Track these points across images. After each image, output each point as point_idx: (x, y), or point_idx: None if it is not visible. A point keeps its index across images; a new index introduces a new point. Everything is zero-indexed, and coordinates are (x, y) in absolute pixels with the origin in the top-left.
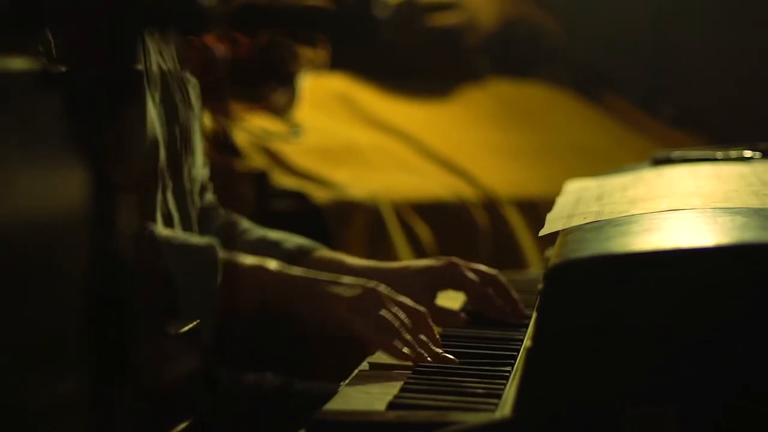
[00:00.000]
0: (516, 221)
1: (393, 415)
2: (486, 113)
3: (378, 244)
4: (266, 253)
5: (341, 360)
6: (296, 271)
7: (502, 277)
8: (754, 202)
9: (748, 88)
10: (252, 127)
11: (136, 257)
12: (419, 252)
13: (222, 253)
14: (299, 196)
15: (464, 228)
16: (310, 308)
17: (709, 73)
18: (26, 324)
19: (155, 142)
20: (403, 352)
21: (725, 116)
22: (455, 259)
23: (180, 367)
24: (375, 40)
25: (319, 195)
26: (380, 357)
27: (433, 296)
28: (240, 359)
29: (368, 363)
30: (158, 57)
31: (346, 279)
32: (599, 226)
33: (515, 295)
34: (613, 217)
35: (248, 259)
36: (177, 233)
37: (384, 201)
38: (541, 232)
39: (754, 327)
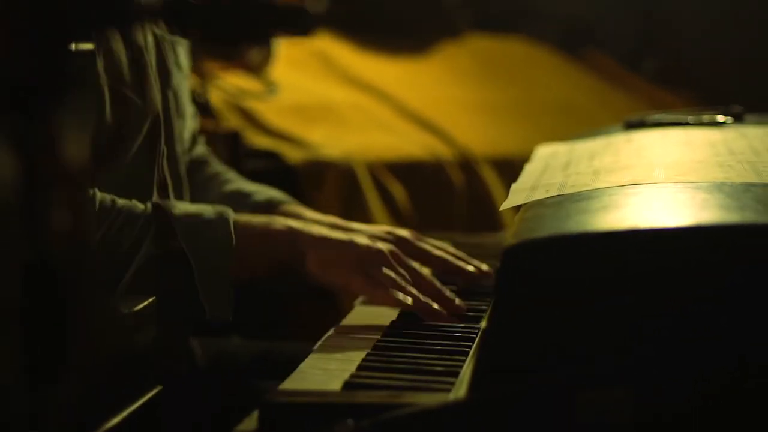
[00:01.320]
0: (492, 181)
1: (346, 396)
2: (465, 69)
3: (352, 205)
4: (237, 205)
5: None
6: (301, 224)
7: (453, 249)
8: (718, 175)
9: (733, 43)
10: (227, 85)
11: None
12: (394, 212)
13: (233, 220)
14: (272, 157)
15: (439, 188)
16: (315, 271)
17: (693, 29)
18: None
19: (156, 116)
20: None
21: (709, 72)
22: (406, 233)
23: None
24: (310, 32)
25: (293, 155)
26: (352, 319)
27: None
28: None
29: (334, 330)
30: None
31: (357, 235)
32: (559, 202)
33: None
34: (575, 191)
35: (256, 220)
36: (187, 206)
37: (358, 161)
38: (503, 206)
39: (709, 309)
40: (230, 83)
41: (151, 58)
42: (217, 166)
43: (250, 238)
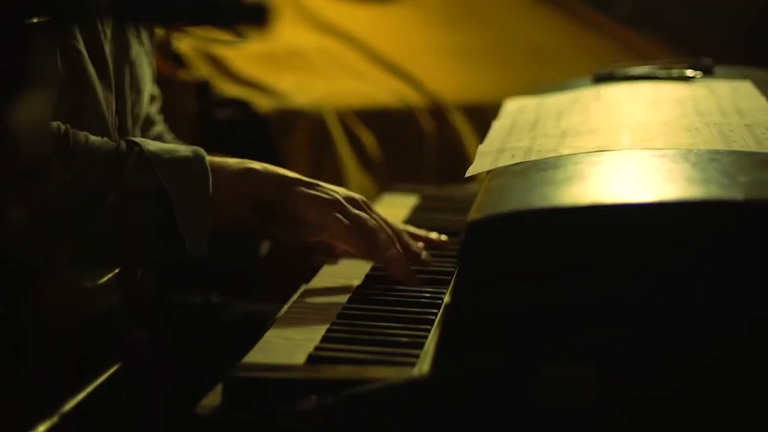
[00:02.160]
0: (463, 127)
1: (310, 371)
2: (435, 13)
3: (322, 153)
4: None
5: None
6: (282, 171)
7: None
8: (685, 140)
9: None
10: (196, 32)
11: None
12: (364, 160)
13: (208, 159)
14: (242, 105)
15: (410, 135)
16: (299, 207)
17: None
18: None
19: (108, 85)
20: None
21: (681, 14)
22: (359, 198)
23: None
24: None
25: (263, 103)
26: (319, 281)
27: None
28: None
29: (300, 294)
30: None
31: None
32: (524, 170)
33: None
34: (541, 157)
35: (232, 161)
36: (160, 144)
37: (328, 109)
38: (469, 172)
39: (673, 285)
40: (199, 33)
41: (107, 28)
42: (169, 139)
43: (228, 176)
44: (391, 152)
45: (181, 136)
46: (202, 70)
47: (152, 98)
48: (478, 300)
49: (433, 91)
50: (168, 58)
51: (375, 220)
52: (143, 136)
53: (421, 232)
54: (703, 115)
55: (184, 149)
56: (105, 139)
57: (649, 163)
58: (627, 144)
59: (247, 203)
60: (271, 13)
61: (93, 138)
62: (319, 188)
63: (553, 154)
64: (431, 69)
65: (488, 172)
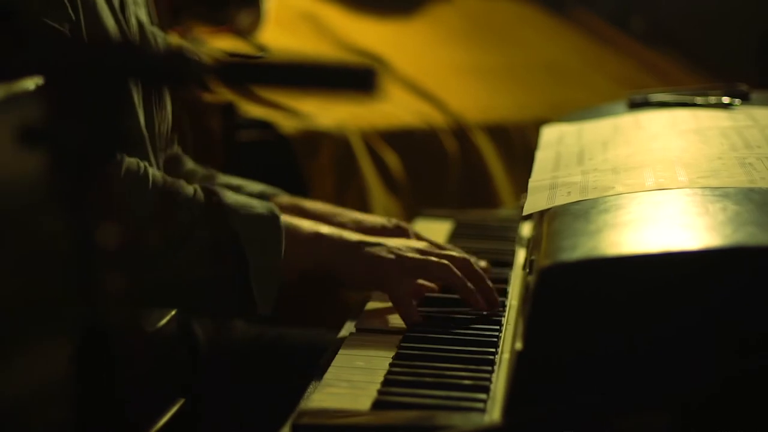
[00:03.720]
0: (486, 148)
1: (377, 416)
2: (454, 30)
3: (346, 174)
4: None
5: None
6: (348, 234)
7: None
8: (742, 177)
9: (718, 1)
10: (216, 52)
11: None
12: (388, 182)
13: (283, 219)
14: (266, 126)
15: (433, 156)
16: (361, 274)
17: None
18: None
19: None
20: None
21: (697, 31)
22: (406, 225)
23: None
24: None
25: (287, 125)
26: (367, 317)
27: None
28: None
29: (353, 333)
30: (135, 8)
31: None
32: (585, 211)
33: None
34: (599, 195)
35: (305, 224)
36: (237, 199)
37: (352, 130)
38: (525, 210)
39: (750, 335)
40: (220, 49)
41: None
42: (190, 163)
43: (298, 241)
44: (415, 174)
45: (206, 158)
46: (225, 92)
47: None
48: (551, 348)
49: (455, 110)
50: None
51: (442, 262)
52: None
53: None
54: (752, 148)
55: (259, 205)
56: (181, 181)
57: (712, 203)
58: (684, 181)
59: (311, 266)
60: (379, 79)
61: (169, 179)
62: (381, 248)
63: (611, 193)
64: (451, 87)
65: (544, 210)
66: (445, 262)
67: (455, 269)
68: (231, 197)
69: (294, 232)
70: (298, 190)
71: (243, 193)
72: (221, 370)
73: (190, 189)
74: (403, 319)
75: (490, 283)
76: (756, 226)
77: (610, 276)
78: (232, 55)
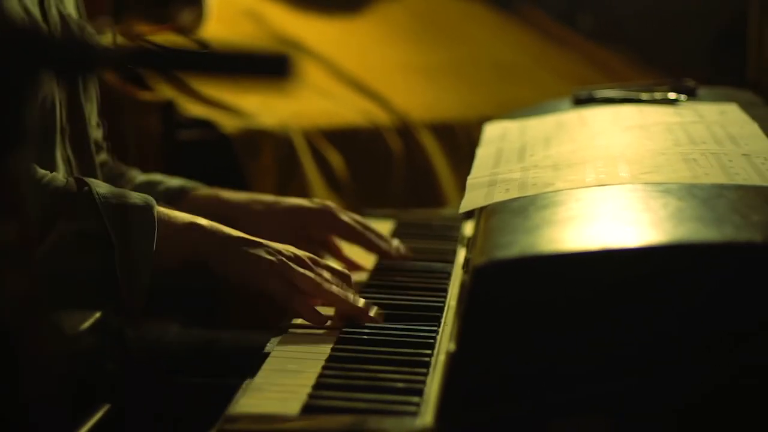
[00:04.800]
0: (431, 146)
1: (307, 421)
2: (401, 29)
3: (288, 174)
4: (150, 192)
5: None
6: (228, 230)
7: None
8: (685, 173)
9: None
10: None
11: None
12: (331, 181)
13: (157, 210)
14: (207, 125)
15: (378, 155)
16: (234, 268)
17: None
18: None
19: (52, 96)
20: (319, 317)
21: (645, 28)
22: (330, 204)
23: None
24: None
25: (228, 124)
26: (300, 319)
27: (298, 237)
28: (159, 313)
29: (284, 335)
30: (59, 2)
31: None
32: (523, 208)
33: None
34: (538, 192)
35: (181, 215)
36: (110, 187)
37: (294, 129)
38: (462, 208)
39: (689, 333)
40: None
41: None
42: (122, 167)
43: (172, 231)
44: (358, 172)
45: (146, 158)
46: (165, 91)
47: (98, 124)
48: (486, 348)
49: (401, 109)
50: (131, 79)
51: (321, 276)
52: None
53: (380, 242)
54: (696, 144)
55: (135, 196)
56: (54, 174)
57: (654, 199)
58: (626, 177)
59: (182, 258)
60: (294, 65)
61: (41, 171)
62: (261, 249)
63: (550, 189)
64: (398, 87)
65: (482, 208)
66: (310, 275)
67: (322, 286)
68: (104, 187)
69: (168, 222)
70: (240, 190)
71: (162, 188)
72: (153, 375)
73: (60, 181)
74: (294, 309)
75: (357, 306)
76: (698, 222)
77: (547, 274)
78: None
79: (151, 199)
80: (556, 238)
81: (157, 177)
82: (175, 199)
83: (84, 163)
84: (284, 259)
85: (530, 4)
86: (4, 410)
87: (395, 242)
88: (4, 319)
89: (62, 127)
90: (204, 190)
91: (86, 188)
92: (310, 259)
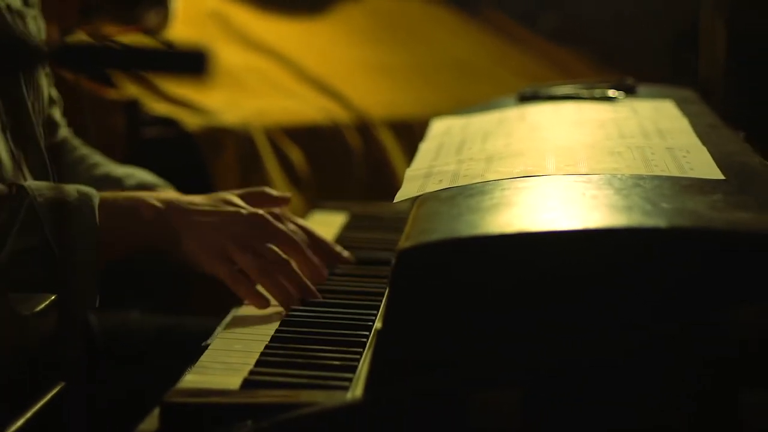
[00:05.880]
0: (390, 144)
1: (246, 395)
2: (362, 29)
3: (251, 171)
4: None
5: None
6: (171, 202)
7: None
8: (608, 165)
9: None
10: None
11: None
12: (293, 178)
13: (97, 197)
14: (170, 123)
15: (338, 152)
16: (182, 253)
17: None
18: None
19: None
20: (261, 301)
21: (608, 30)
22: (267, 189)
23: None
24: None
25: (191, 121)
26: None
27: None
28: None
29: (234, 315)
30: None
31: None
32: (452, 197)
33: (336, 248)
34: (467, 182)
35: (122, 197)
36: (48, 190)
37: (256, 127)
38: (397, 198)
39: (597, 312)
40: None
41: None
42: (83, 149)
43: (115, 217)
44: (319, 169)
45: (110, 156)
46: (130, 89)
47: (52, 101)
48: (409, 327)
49: (360, 107)
50: (96, 77)
51: (271, 249)
52: (48, 140)
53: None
54: (625, 138)
55: (73, 195)
56: None
57: (573, 189)
58: (552, 169)
59: (133, 242)
60: (210, 61)
61: None
62: (209, 223)
63: (479, 180)
64: (358, 85)
65: (416, 197)
66: (250, 260)
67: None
68: (42, 193)
69: (109, 206)
70: (203, 187)
71: (123, 186)
72: (114, 357)
73: (2, 188)
74: (240, 295)
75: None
76: (609, 209)
77: (466, 256)
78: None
79: (90, 193)
80: (477, 223)
81: (116, 172)
82: None
83: (31, 155)
84: (229, 241)
85: (492, 6)
86: None
87: (336, 247)
88: None
89: (2, 121)
90: (162, 191)
91: (27, 200)
92: (272, 214)
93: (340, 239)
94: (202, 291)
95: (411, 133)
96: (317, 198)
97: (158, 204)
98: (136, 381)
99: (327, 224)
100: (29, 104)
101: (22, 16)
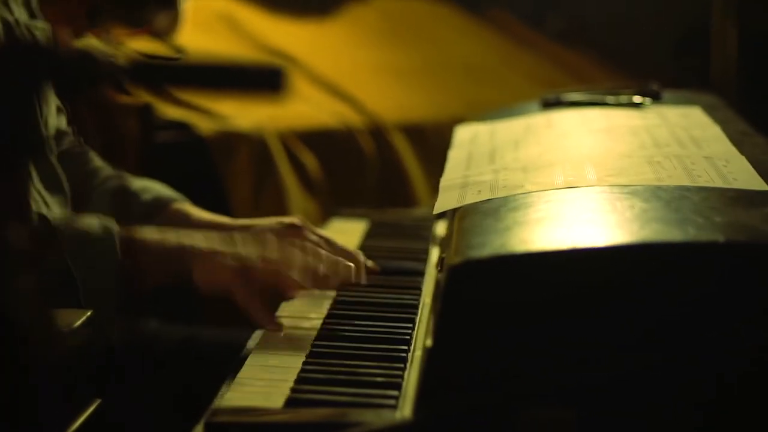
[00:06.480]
0: (403, 148)
1: (290, 414)
2: (371, 31)
3: (263, 175)
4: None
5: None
6: (190, 238)
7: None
8: (649, 175)
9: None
10: (133, 53)
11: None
12: (306, 183)
13: (121, 233)
14: (183, 128)
15: (351, 156)
16: (204, 281)
17: None
18: None
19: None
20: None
21: (612, 30)
22: (298, 221)
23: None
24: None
25: (204, 126)
26: (283, 311)
27: None
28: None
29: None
30: (2, 7)
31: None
32: (495, 209)
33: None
34: (508, 194)
35: (149, 236)
36: (70, 217)
37: (269, 131)
38: (436, 209)
39: (655, 330)
40: (137, 51)
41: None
42: (97, 161)
43: (143, 254)
44: (332, 174)
45: (124, 160)
46: (142, 94)
47: (59, 110)
48: (460, 344)
49: (373, 111)
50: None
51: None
52: (57, 150)
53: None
54: (660, 147)
55: (95, 223)
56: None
57: (620, 201)
58: (593, 179)
59: (157, 277)
60: (287, 78)
61: None
62: (222, 256)
63: (520, 191)
64: (369, 88)
65: (455, 209)
66: (271, 267)
67: (291, 276)
68: (66, 223)
69: (135, 244)
70: (216, 192)
71: (139, 200)
72: (137, 370)
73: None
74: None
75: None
76: (662, 223)
77: (518, 273)
78: (148, 56)
79: (112, 228)
80: (527, 238)
81: (137, 183)
82: (151, 214)
83: (42, 167)
84: (248, 263)
85: (499, 7)
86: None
87: (361, 257)
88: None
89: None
90: (179, 206)
91: (48, 225)
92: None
93: (363, 248)
94: (217, 300)
95: (423, 137)
96: (331, 202)
97: (181, 240)
98: (160, 391)
99: (347, 232)
100: (41, 117)
101: (30, 29)
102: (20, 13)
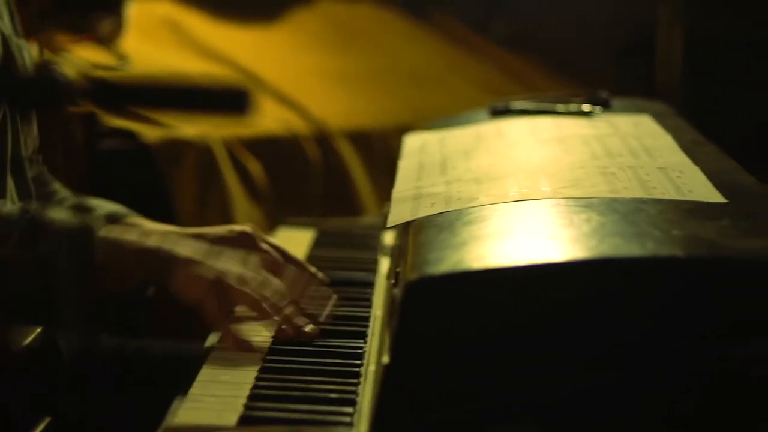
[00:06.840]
0: (348, 154)
1: None
2: (316, 36)
3: (209, 182)
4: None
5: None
6: (171, 243)
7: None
8: (604, 187)
9: (578, 6)
10: (77, 59)
11: None
12: (251, 190)
13: (102, 232)
14: (129, 135)
15: (296, 163)
16: (178, 289)
17: None
18: None
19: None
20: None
21: (556, 36)
22: (249, 230)
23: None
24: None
25: (149, 133)
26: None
27: None
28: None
29: (219, 339)
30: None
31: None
32: (450, 223)
33: (311, 269)
34: (463, 207)
35: (129, 237)
36: (53, 213)
37: (214, 138)
38: (390, 223)
39: (617, 345)
40: (80, 57)
41: None
42: (55, 184)
43: (123, 254)
44: (278, 181)
45: (69, 167)
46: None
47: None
48: (418, 362)
49: (318, 118)
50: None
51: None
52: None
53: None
54: (613, 157)
55: (76, 218)
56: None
57: (576, 214)
58: (548, 192)
59: (135, 278)
60: (252, 99)
61: None
62: (202, 267)
63: (474, 204)
64: (315, 94)
65: (408, 222)
66: (247, 291)
67: (261, 301)
68: (48, 215)
69: (118, 247)
70: (161, 199)
71: (95, 214)
72: (86, 385)
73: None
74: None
75: (300, 320)
76: (620, 237)
77: (476, 289)
78: (96, 66)
79: (90, 225)
80: (484, 254)
81: (86, 203)
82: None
83: (19, 188)
84: (222, 277)
85: (444, 12)
86: None
87: (312, 269)
88: None
89: (11, 154)
90: (131, 220)
91: (30, 216)
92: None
93: (311, 258)
94: (161, 312)
95: (369, 144)
96: (276, 210)
97: (161, 244)
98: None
99: (295, 242)
100: (22, 138)
101: (20, 48)
102: (10, 29)
